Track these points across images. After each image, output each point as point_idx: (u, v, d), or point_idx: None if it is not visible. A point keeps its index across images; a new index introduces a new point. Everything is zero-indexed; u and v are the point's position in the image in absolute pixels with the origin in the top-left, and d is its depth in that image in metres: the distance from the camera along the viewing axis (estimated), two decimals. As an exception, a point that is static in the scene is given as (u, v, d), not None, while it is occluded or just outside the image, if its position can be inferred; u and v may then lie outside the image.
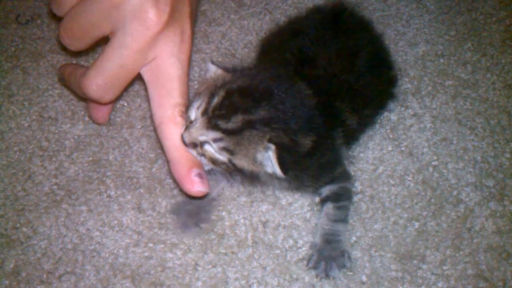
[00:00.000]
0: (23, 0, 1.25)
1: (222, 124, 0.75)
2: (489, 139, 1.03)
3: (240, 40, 1.19)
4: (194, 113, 0.77)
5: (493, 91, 1.10)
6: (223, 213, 0.93)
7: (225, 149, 0.77)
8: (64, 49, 1.15)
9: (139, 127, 1.04)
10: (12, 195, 0.96)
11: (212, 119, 0.76)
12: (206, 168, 0.80)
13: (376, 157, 1.00)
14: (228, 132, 0.75)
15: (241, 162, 0.78)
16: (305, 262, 0.88)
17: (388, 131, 1.03)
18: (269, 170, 0.77)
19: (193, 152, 0.77)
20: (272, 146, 0.74)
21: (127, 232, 0.92)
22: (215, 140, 0.76)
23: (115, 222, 0.93)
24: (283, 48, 0.99)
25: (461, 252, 0.89)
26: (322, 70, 0.92)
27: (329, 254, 0.87)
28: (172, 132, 0.76)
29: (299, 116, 0.78)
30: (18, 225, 0.92)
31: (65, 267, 0.88)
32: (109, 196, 0.96)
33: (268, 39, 1.09)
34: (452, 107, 1.07)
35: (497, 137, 1.03)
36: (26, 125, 1.05)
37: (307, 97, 0.81)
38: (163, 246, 0.90)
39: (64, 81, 0.88)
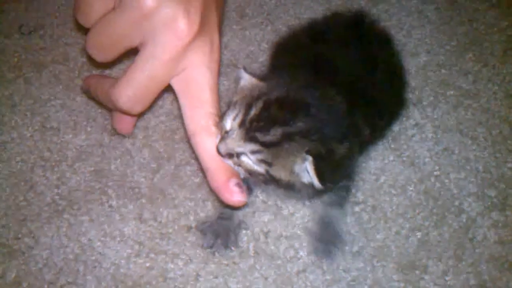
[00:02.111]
0: (26, 11, 1.25)
1: (261, 136, 0.74)
2: (491, 149, 1.02)
3: (241, 50, 1.19)
4: (229, 124, 0.76)
5: (494, 101, 1.10)
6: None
7: (263, 161, 0.76)
8: (66, 59, 1.16)
9: (141, 137, 1.04)
10: (14, 205, 0.96)
11: (250, 131, 0.75)
12: (242, 177, 0.79)
13: (378, 167, 1.00)
14: (266, 145, 0.74)
15: (279, 173, 0.77)
16: (306, 274, 0.88)
17: (390, 141, 1.03)
18: (306, 180, 0.76)
19: (229, 162, 0.76)
20: (310, 158, 0.73)
21: (129, 243, 0.92)
22: (253, 152, 0.75)
23: (117, 232, 0.93)
24: (301, 51, 0.97)
25: (464, 263, 0.89)
26: (342, 76, 0.90)
27: (325, 237, 0.88)
28: (208, 142, 0.75)
29: (333, 124, 0.77)
30: (19, 235, 0.92)
31: (67, 278, 0.88)
32: (110, 206, 0.96)
33: (284, 42, 1.07)
34: (454, 117, 1.07)
35: (499, 147, 1.03)
36: (28, 135, 1.05)
37: (339, 104, 0.80)
38: (164, 256, 0.90)
39: (89, 93, 0.88)
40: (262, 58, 1.16)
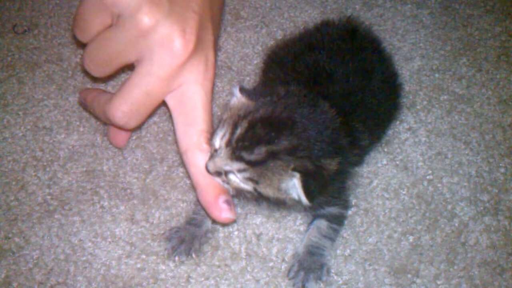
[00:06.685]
0: (20, 10, 1.25)
1: (246, 155, 0.75)
2: (484, 154, 1.03)
3: (236, 52, 1.19)
4: (218, 142, 0.77)
5: (488, 106, 1.10)
6: (217, 225, 0.93)
7: (249, 179, 0.76)
8: (60, 59, 1.16)
9: (133, 138, 1.04)
10: (4, 205, 0.95)
11: (236, 150, 0.75)
12: (231, 194, 0.80)
13: (371, 171, 1.00)
14: (252, 163, 0.75)
15: (266, 190, 0.77)
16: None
17: (383, 144, 1.03)
18: (295, 197, 0.77)
19: (218, 179, 0.77)
20: (297, 175, 0.74)
21: (120, 243, 0.91)
22: (240, 171, 0.76)
23: (108, 233, 0.92)
24: (297, 61, 0.97)
25: (455, 267, 0.89)
26: (339, 86, 0.90)
27: (309, 265, 0.87)
28: (199, 159, 0.77)
29: (323, 140, 0.77)
30: (10, 235, 0.92)
31: (57, 278, 0.87)
32: (102, 206, 0.95)
33: (277, 51, 1.07)
34: (447, 121, 1.07)
35: (492, 152, 1.03)
36: (20, 134, 1.04)
37: (331, 119, 0.80)
38: (155, 257, 0.90)
39: (85, 106, 0.88)
40: (256, 60, 1.16)
